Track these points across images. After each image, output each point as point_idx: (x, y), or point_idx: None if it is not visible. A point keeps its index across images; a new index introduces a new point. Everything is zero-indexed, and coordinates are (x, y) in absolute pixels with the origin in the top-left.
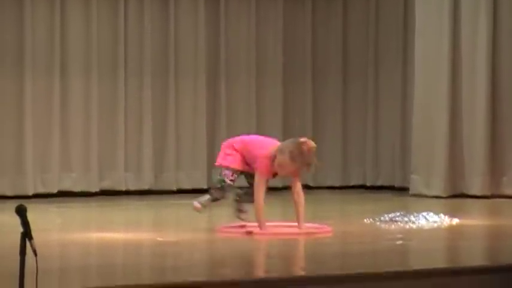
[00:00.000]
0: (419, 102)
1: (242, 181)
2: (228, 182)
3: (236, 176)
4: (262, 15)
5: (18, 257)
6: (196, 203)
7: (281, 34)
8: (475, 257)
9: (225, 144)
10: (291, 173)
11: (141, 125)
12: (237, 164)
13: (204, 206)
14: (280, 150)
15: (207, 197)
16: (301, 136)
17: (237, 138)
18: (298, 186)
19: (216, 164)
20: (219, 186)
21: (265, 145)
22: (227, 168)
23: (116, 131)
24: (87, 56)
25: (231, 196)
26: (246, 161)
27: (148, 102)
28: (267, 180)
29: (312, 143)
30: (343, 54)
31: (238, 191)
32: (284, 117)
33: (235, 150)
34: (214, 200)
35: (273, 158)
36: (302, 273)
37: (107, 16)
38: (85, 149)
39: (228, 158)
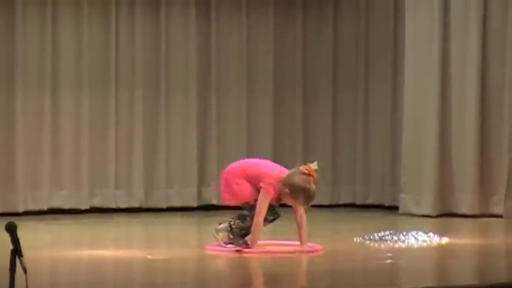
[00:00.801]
0: (408, 119)
1: None
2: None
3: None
4: (253, 28)
5: (7, 274)
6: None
7: (272, 47)
8: (464, 276)
9: (228, 173)
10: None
11: (131, 142)
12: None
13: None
14: (288, 185)
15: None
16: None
17: (238, 164)
18: (301, 209)
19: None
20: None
21: (270, 165)
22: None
23: (107, 147)
24: (78, 71)
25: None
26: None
27: (139, 117)
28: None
29: (314, 174)
30: (333, 67)
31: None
32: (274, 131)
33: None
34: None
35: (279, 184)
36: None
37: (98, 30)
38: (75, 166)
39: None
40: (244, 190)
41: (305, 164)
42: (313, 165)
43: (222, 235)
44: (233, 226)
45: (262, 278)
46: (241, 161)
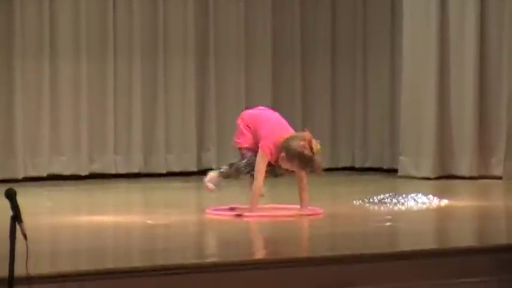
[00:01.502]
0: (407, 83)
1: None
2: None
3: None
4: (252, 0)
5: (8, 241)
6: (209, 185)
7: (270, 15)
8: (463, 238)
9: (241, 120)
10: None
11: (130, 107)
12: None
13: (216, 185)
14: (284, 148)
15: (216, 173)
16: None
17: (252, 113)
18: (302, 173)
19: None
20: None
21: (275, 128)
22: (243, 148)
23: (106, 113)
24: (76, 38)
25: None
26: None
27: (138, 82)
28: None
29: (315, 146)
30: (331, 36)
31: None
32: (273, 98)
33: (248, 128)
34: (226, 176)
35: (278, 149)
36: (291, 255)
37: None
38: (75, 132)
39: (241, 137)
40: (244, 136)
41: (309, 131)
42: (315, 144)
43: (211, 177)
44: (221, 169)
45: (262, 243)
46: (257, 111)
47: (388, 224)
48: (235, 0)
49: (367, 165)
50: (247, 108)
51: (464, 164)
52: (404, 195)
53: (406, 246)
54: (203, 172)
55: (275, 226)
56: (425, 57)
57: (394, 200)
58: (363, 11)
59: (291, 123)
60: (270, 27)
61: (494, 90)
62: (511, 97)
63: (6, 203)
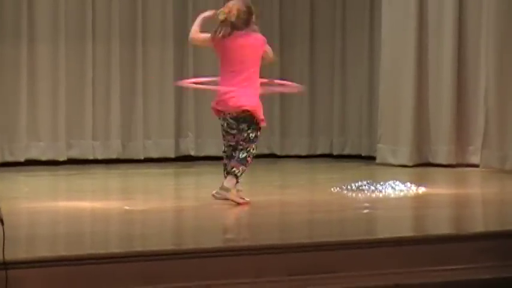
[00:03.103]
0: (385, 72)
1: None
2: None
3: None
4: None
5: None
6: (241, 200)
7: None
8: (441, 225)
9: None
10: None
11: (108, 93)
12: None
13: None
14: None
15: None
16: None
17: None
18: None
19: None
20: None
21: None
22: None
23: (84, 98)
24: (54, 22)
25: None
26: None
27: (116, 68)
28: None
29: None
30: (310, 18)
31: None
32: None
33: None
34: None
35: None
36: (268, 242)
37: None
38: (53, 118)
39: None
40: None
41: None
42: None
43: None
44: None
45: (238, 229)
46: None
47: (366, 211)
48: None
49: (345, 152)
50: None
51: (442, 152)
52: (382, 183)
53: (383, 233)
54: (181, 158)
55: (253, 213)
56: (403, 46)
57: (372, 187)
58: (342, 3)
59: (269, 112)
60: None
61: (472, 79)
62: (489, 86)
63: None
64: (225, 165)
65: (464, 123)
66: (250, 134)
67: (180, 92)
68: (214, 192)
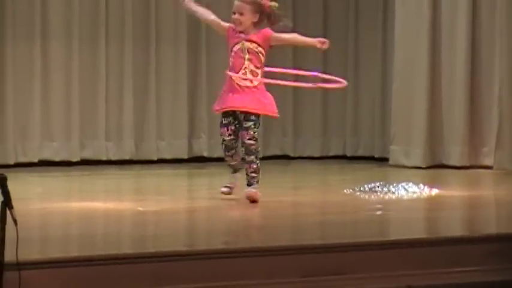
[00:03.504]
0: (399, 72)
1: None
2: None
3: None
4: None
5: None
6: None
7: None
8: (454, 227)
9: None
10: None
11: (122, 93)
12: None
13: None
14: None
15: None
16: None
17: None
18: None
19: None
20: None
21: None
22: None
23: (97, 99)
24: (68, 21)
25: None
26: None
27: (129, 68)
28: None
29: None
30: (323, 18)
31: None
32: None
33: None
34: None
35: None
36: (281, 243)
37: None
38: (66, 118)
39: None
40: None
41: None
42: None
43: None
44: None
45: (251, 230)
46: None
47: (378, 212)
48: None
49: (358, 153)
50: None
51: (455, 154)
52: (395, 184)
53: (396, 235)
54: (194, 159)
55: (265, 214)
56: (416, 47)
57: (385, 189)
58: (354, 5)
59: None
60: None
61: (486, 80)
62: (502, 87)
63: None
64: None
65: (478, 125)
66: (245, 123)
67: (193, 92)
68: (224, 189)
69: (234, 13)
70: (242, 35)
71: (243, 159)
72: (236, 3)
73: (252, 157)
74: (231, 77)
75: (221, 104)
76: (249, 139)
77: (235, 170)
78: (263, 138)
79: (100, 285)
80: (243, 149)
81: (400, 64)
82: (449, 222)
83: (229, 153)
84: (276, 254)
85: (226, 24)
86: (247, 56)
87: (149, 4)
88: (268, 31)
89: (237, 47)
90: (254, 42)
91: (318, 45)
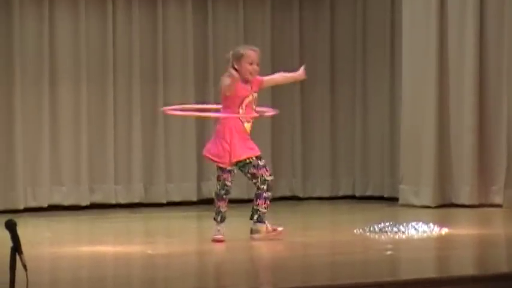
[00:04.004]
0: (406, 111)
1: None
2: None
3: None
4: (250, 21)
5: (8, 272)
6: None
7: (269, 39)
8: (464, 266)
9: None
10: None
11: (130, 136)
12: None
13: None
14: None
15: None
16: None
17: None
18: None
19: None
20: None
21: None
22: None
23: (106, 143)
24: (76, 66)
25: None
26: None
27: (138, 112)
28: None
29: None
30: (330, 58)
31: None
32: (273, 123)
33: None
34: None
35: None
36: (292, 284)
37: (95, 24)
38: (75, 162)
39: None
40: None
41: None
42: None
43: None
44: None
45: (259, 272)
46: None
47: (388, 252)
48: (234, 28)
49: (367, 193)
50: None
51: (465, 192)
52: (404, 224)
53: (407, 274)
54: (203, 201)
55: (275, 255)
56: (424, 85)
57: (395, 229)
58: (362, 38)
59: (291, 154)
60: (269, 56)
61: (494, 118)
62: (511, 125)
63: (7, 234)
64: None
65: (487, 163)
66: (259, 162)
67: (202, 134)
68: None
69: (252, 63)
70: (249, 87)
71: (259, 196)
72: (253, 54)
73: (270, 193)
74: (245, 127)
75: (237, 154)
76: (270, 175)
77: (223, 219)
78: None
79: None
80: (264, 186)
81: (408, 102)
82: (460, 261)
83: (226, 198)
84: None
85: (236, 77)
86: (254, 106)
87: (156, 45)
88: (259, 77)
89: (247, 100)
90: (256, 91)
91: (303, 76)
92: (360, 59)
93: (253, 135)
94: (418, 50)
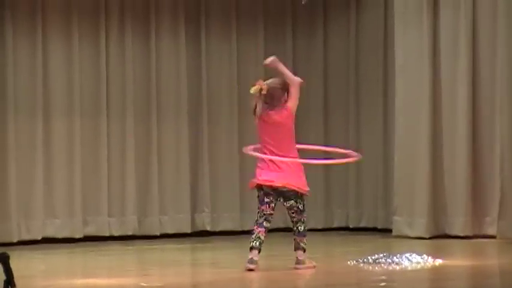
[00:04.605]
0: (400, 143)
1: None
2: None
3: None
4: (243, 52)
5: None
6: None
7: (262, 71)
8: None
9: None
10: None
11: (124, 169)
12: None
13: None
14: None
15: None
16: None
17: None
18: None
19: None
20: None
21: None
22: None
23: (99, 175)
24: (69, 101)
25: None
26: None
27: (131, 144)
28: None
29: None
30: (324, 91)
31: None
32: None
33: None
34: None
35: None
36: None
37: (88, 57)
38: (69, 195)
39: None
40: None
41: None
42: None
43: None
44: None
45: None
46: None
47: (382, 284)
48: (227, 59)
49: (361, 225)
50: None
51: (458, 224)
52: (398, 255)
53: None
54: (197, 233)
55: (270, 286)
56: (417, 116)
57: (389, 260)
58: (355, 72)
59: None
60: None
61: (487, 150)
62: (504, 157)
63: (0, 268)
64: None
65: (480, 194)
66: (300, 206)
67: (195, 167)
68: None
69: None
70: None
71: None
72: None
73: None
74: None
75: None
76: None
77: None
78: None
79: None
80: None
81: (402, 134)
82: None
83: None
84: None
85: None
86: None
87: (149, 80)
88: None
89: None
90: None
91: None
92: (353, 89)
93: (246, 169)
94: (412, 81)
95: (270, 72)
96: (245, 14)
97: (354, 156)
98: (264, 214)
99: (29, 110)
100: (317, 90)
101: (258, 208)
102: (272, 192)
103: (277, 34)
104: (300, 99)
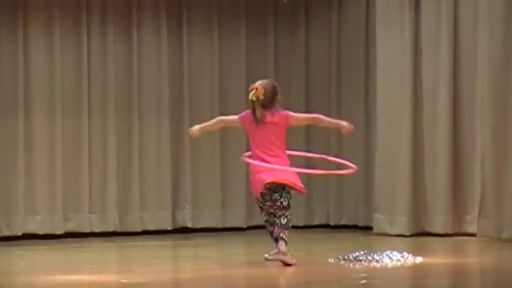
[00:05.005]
0: (381, 140)
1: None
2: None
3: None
4: (225, 50)
5: None
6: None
7: (244, 68)
8: None
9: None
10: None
11: (105, 166)
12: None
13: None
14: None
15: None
16: None
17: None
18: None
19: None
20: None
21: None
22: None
23: (80, 172)
24: (50, 97)
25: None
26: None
27: (113, 141)
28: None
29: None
30: (305, 89)
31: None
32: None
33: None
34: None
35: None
36: None
37: (70, 56)
38: (50, 191)
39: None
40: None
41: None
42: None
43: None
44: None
45: None
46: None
47: (363, 281)
48: (209, 56)
49: (342, 222)
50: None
51: (439, 222)
52: (379, 253)
53: None
54: (178, 230)
55: (250, 284)
56: (398, 115)
57: (369, 258)
58: (336, 70)
59: None
60: (244, 85)
61: (468, 149)
62: (484, 155)
63: None
64: (272, 232)
65: (461, 193)
66: (283, 202)
67: (177, 164)
68: (267, 255)
69: None
70: None
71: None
72: None
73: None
74: None
75: None
76: None
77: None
78: (247, 209)
79: None
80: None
81: (383, 132)
82: None
83: None
84: None
85: None
86: None
87: (131, 77)
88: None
89: None
90: None
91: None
92: (335, 87)
93: (227, 167)
94: (393, 80)
95: (252, 70)
96: (227, 11)
97: (350, 168)
98: (269, 212)
99: (10, 108)
100: (298, 88)
101: (261, 209)
102: (267, 191)
103: (259, 32)
104: (281, 97)
